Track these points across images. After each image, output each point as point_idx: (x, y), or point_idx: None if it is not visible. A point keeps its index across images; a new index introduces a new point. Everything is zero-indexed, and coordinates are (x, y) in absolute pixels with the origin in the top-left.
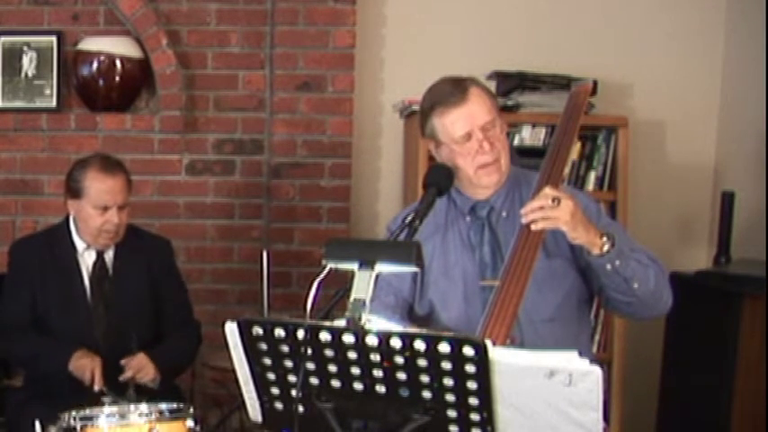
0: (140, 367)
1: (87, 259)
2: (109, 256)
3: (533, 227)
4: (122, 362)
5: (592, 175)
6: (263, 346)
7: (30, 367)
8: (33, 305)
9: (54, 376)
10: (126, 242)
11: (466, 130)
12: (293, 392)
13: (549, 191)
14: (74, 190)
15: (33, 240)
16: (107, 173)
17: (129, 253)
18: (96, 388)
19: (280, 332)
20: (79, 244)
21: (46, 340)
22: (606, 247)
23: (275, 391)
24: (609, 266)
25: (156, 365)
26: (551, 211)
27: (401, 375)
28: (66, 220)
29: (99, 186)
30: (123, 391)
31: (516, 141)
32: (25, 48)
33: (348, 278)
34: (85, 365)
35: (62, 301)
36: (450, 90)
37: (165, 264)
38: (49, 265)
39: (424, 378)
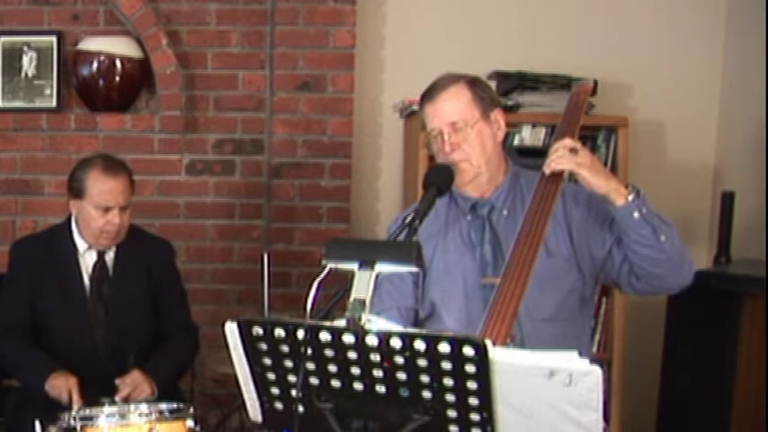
0: (135, 386)
1: (88, 260)
2: (109, 256)
3: (554, 165)
4: (117, 381)
5: None
6: (263, 346)
7: (10, 374)
8: (31, 306)
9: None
10: (127, 243)
11: (432, 126)
12: (293, 392)
13: (568, 141)
14: (76, 190)
15: (34, 240)
16: (109, 173)
17: (129, 254)
18: (75, 408)
19: (280, 332)
20: (80, 244)
21: (30, 353)
22: (631, 197)
23: (275, 391)
24: (636, 214)
25: (153, 380)
26: (571, 156)
27: (401, 375)
28: (68, 219)
29: (101, 187)
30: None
31: (516, 141)
32: (25, 48)
33: (348, 278)
34: (61, 386)
35: (62, 302)
36: (435, 85)
37: (166, 266)
38: (50, 265)
39: (424, 378)
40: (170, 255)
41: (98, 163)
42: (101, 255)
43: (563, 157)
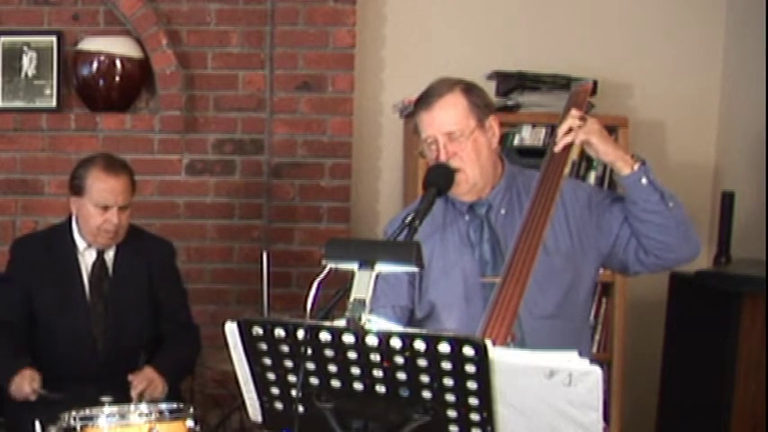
0: (149, 382)
1: (87, 258)
2: (109, 255)
3: (568, 139)
4: (130, 377)
5: (592, 175)
6: (263, 346)
7: None
8: (27, 305)
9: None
10: (127, 242)
11: (427, 134)
12: (293, 392)
13: (575, 112)
14: (76, 187)
15: (34, 239)
16: (110, 172)
17: (129, 253)
18: (38, 394)
19: (280, 332)
20: (80, 243)
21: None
22: (637, 165)
23: (275, 391)
24: (644, 180)
25: (164, 378)
26: (580, 128)
27: (401, 375)
28: (69, 218)
29: (101, 185)
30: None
31: (516, 141)
32: (25, 48)
33: (348, 278)
34: (21, 388)
35: (61, 300)
36: (429, 92)
37: (166, 265)
38: (49, 264)
39: (424, 378)
40: (170, 254)
41: (99, 161)
42: (100, 254)
43: (573, 129)
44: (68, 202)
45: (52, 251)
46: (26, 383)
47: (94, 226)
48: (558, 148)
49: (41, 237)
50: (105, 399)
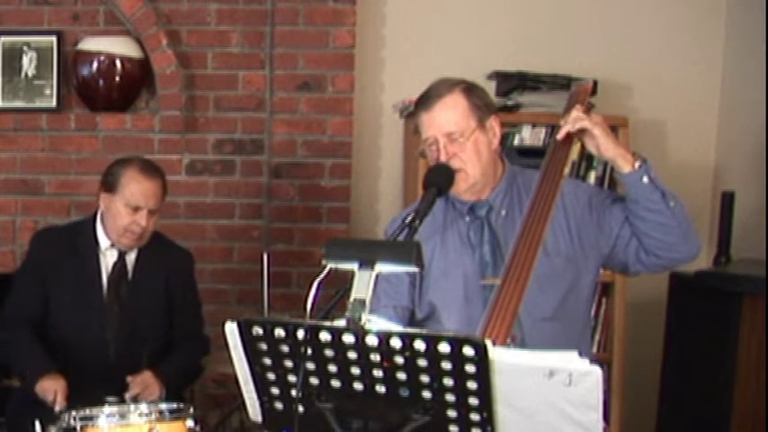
0: (145, 386)
1: (108, 258)
2: (130, 258)
3: (569, 127)
4: (128, 379)
5: (592, 175)
6: (263, 346)
7: (11, 366)
8: (44, 299)
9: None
10: (149, 247)
11: (428, 135)
12: (293, 392)
13: (579, 107)
14: (109, 184)
15: (56, 232)
16: (145, 174)
17: (150, 258)
18: (57, 408)
19: (280, 332)
20: (103, 241)
21: (30, 350)
22: (638, 163)
23: (275, 391)
24: (645, 179)
25: (162, 383)
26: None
27: (401, 375)
28: (94, 215)
29: (135, 186)
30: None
31: (516, 141)
32: (25, 48)
33: (348, 278)
34: (48, 389)
35: (77, 297)
36: (429, 93)
37: (185, 275)
38: (69, 259)
39: (424, 378)
40: (190, 265)
41: (137, 162)
42: (122, 255)
43: (577, 118)
44: (68, 202)
45: (74, 247)
46: (54, 387)
47: (121, 226)
48: (560, 135)
49: (64, 231)
50: (110, 398)
